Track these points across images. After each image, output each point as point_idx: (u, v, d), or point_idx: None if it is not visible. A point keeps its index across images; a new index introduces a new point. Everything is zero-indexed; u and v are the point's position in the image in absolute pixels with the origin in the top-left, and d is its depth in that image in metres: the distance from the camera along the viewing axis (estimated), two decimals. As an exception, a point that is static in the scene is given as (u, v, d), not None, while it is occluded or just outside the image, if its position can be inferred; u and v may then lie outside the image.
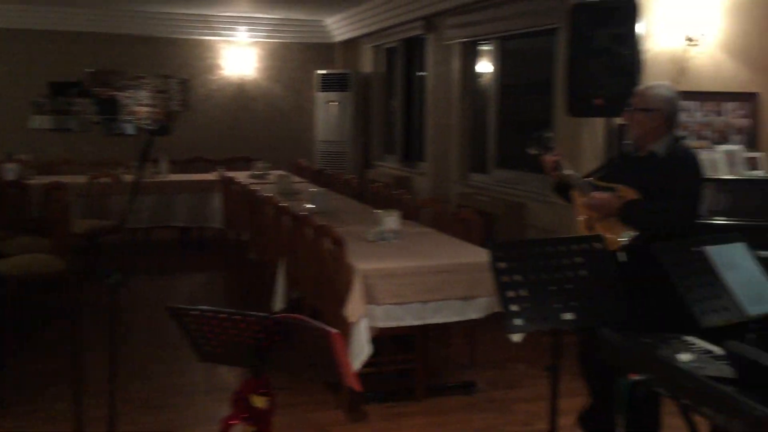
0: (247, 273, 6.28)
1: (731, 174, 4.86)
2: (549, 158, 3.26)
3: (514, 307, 2.57)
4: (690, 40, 5.03)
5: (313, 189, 6.38)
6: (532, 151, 3.35)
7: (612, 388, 2.25)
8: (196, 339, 2.32)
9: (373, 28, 9.18)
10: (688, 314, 2.45)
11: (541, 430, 3.61)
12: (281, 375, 2.33)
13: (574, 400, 3.48)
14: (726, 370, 2.06)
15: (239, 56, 10.27)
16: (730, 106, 5.22)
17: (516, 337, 3.74)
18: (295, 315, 2.22)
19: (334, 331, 2.11)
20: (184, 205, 7.56)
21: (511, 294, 2.58)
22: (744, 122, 5.25)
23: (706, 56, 5.09)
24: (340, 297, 3.85)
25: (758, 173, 4.92)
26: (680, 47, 5.04)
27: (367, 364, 3.70)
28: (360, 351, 3.62)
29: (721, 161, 4.90)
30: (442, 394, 4.09)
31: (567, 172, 3.23)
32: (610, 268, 2.73)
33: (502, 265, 2.63)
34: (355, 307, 3.65)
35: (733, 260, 2.68)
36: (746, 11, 5.15)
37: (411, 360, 4.05)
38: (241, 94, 10.36)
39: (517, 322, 2.56)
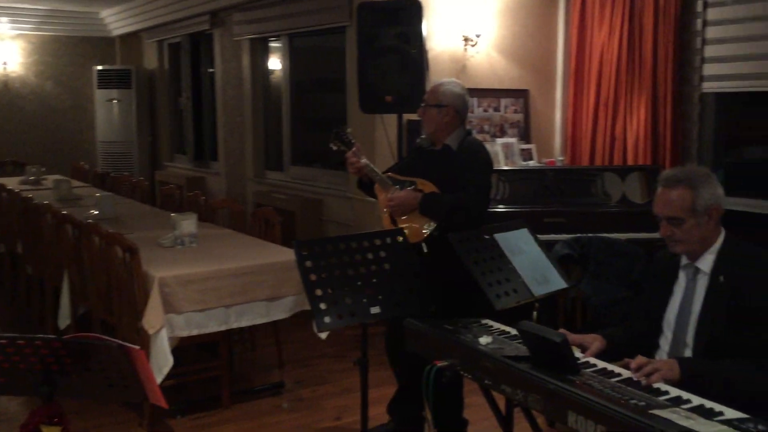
0: (24, 290, 5.69)
1: (509, 165, 5.28)
2: (350, 154, 3.31)
3: (322, 305, 2.58)
4: (467, 40, 5.37)
5: (98, 194, 5.94)
6: (334, 147, 3.38)
7: (419, 375, 2.33)
8: (-29, 371, 2.05)
9: (155, 22, 8.74)
10: (485, 298, 2.61)
11: (352, 423, 3.68)
12: (75, 399, 2.12)
13: (382, 390, 3.57)
14: (522, 349, 2.21)
15: (1, 50, 9.28)
16: (505, 102, 5.66)
17: (323, 334, 3.75)
18: (89, 334, 2.04)
19: (135, 347, 1.96)
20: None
21: (318, 292, 2.58)
22: (518, 117, 5.72)
23: (482, 56, 5.46)
24: (135, 308, 3.61)
25: (532, 163, 5.40)
26: (459, 47, 5.36)
27: (170, 376, 3.51)
28: (162, 363, 3.42)
29: (500, 153, 5.31)
30: (251, 399, 3.99)
31: (368, 167, 3.28)
32: (413, 261, 2.82)
33: (309, 263, 2.62)
34: (153, 318, 3.45)
35: (518, 245, 2.90)
36: (515, 14, 5.62)
37: (216, 367, 3.91)
38: (5, 92, 9.36)
39: (327, 319, 2.57)
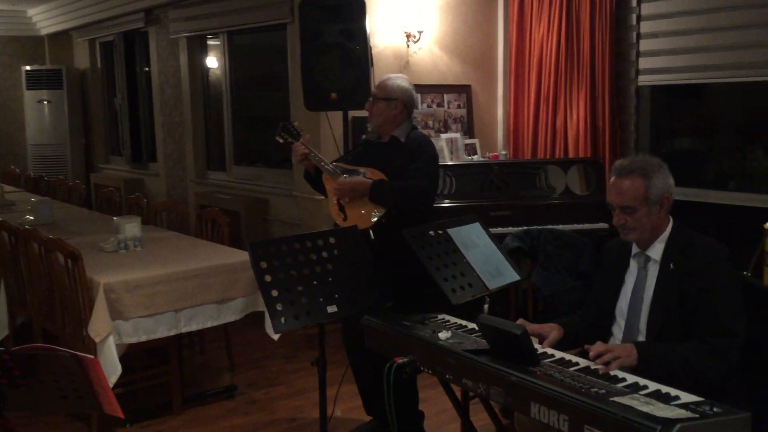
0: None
1: (454, 160, 5.33)
2: (297, 146, 3.30)
3: (278, 306, 2.54)
4: (409, 36, 5.38)
5: (33, 198, 5.72)
6: (280, 140, 3.36)
7: (378, 373, 2.32)
8: None
9: (86, 20, 8.47)
10: (436, 291, 2.63)
11: (307, 424, 3.66)
12: (24, 413, 2.04)
13: (336, 389, 3.56)
14: (481, 343, 2.23)
15: None
16: (448, 97, 5.70)
17: (275, 335, 3.71)
18: (40, 344, 1.96)
19: (89, 357, 1.90)
20: None
21: (274, 293, 2.55)
22: (461, 112, 5.77)
23: (425, 52, 5.49)
24: (80, 316, 3.50)
25: (476, 158, 5.46)
26: (402, 43, 5.37)
27: (118, 384, 3.42)
28: (110, 372, 3.32)
29: (445, 148, 5.34)
30: (202, 403, 3.92)
31: (316, 158, 3.28)
32: (368, 258, 2.82)
33: (264, 264, 2.58)
34: (99, 325, 3.34)
35: (472, 239, 2.92)
36: (456, 10, 5.66)
37: (166, 372, 3.82)
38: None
39: (283, 320, 2.53)
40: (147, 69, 8.07)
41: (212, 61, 7.17)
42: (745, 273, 2.86)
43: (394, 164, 3.20)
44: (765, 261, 3.54)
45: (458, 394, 2.60)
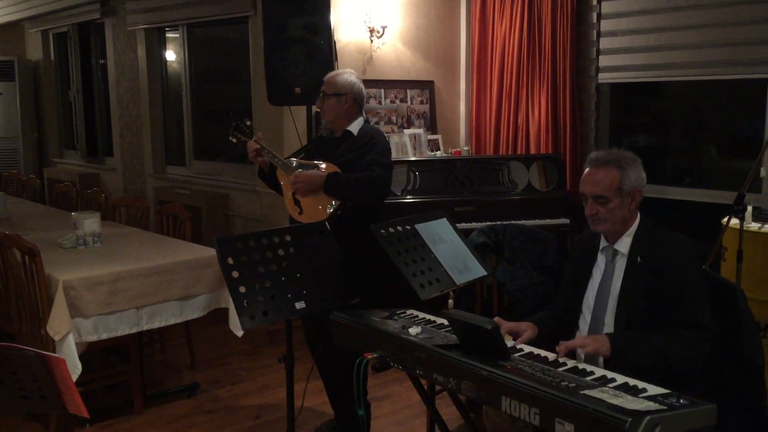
0: None
1: (417, 155, 5.34)
2: (251, 144, 3.29)
3: (246, 303, 2.51)
4: (373, 31, 5.37)
5: (-16, 193, 5.55)
6: (233, 139, 3.39)
7: (343, 369, 2.31)
8: None
9: (39, 10, 8.23)
10: (407, 288, 2.63)
11: (272, 421, 3.63)
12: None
13: (300, 386, 3.54)
14: (451, 338, 2.23)
15: None
16: (411, 93, 5.71)
17: (238, 332, 3.67)
18: (3, 344, 1.90)
19: (54, 356, 1.84)
20: None
21: (242, 289, 2.52)
22: (424, 108, 5.78)
23: (388, 47, 5.49)
24: (38, 314, 3.41)
25: (439, 154, 5.48)
26: (365, 39, 5.35)
27: (78, 383, 3.32)
28: (69, 370, 3.23)
29: (408, 144, 5.35)
30: (164, 402, 3.86)
31: (270, 155, 3.28)
32: (336, 253, 2.80)
33: (231, 260, 2.54)
34: (59, 323, 3.26)
35: (439, 235, 2.93)
36: (419, 6, 5.67)
37: (127, 371, 3.75)
38: None
39: (251, 317, 2.50)
40: (103, 61, 7.90)
41: (171, 54, 7.04)
42: (704, 267, 2.92)
43: (348, 158, 3.23)
44: (723, 256, 3.63)
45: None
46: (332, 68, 4.45)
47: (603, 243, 2.43)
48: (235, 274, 2.53)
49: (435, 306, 2.76)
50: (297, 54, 4.38)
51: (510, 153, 5.42)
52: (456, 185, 4.84)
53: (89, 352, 3.51)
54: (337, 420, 3.40)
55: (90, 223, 3.91)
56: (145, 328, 3.59)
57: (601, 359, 2.21)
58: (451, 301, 3.03)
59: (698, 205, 4.77)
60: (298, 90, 4.38)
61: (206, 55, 6.79)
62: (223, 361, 4.49)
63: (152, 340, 4.59)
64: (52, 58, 8.94)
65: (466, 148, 5.69)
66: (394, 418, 3.54)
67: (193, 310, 3.72)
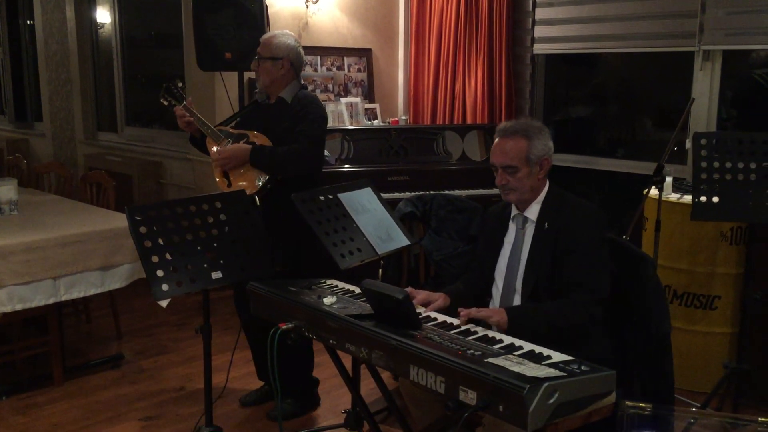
0: None
1: (354, 124, 5.28)
2: (179, 110, 3.17)
3: (159, 272, 2.45)
4: (309, -3, 5.26)
5: None
6: (165, 102, 3.24)
7: (266, 338, 2.28)
8: None
9: (-38, -34, 7.84)
10: (329, 258, 2.60)
11: (196, 392, 3.58)
12: None
13: (226, 357, 3.50)
14: (366, 307, 2.22)
15: None
16: (348, 61, 5.63)
17: (164, 303, 3.59)
18: None
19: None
20: None
21: (155, 259, 2.45)
22: (361, 76, 5.71)
23: (324, 14, 5.38)
24: (-52, 284, 3.28)
25: (376, 123, 5.44)
26: (301, 4, 5.24)
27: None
28: (-19, 343, 3.13)
29: (345, 113, 5.29)
30: (86, 373, 3.77)
31: (200, 121, 3.17)
32: (256, 222, 2.75)
33: (143, 229, 2.47)
34: (-31, 294, 3.14)
35: (362, 204, 2.91)
36: (356, -28, 5.56)
37: (45, 342, 3.64)
38: None
39: (165, 287, 2.45)
40: (30, 22, 7.56)
41: (103, 16, 6.78)
42: (624, 237, 2.97)
43: (282, 127, 3.12)
44: (643, 225, 3.70)
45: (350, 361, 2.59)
46: (264, 33, 4.35)
47: (514, 211, 2.44)
48: (148, 243, 2.47)
49: (365, 276, 2.74)
50: (227, 18, 4.26)
51: (447, 122, 5.41)
52: (390, 155, 4.80)
53: (5, 324, 3.39)
54: (271, 388, 3.36)
55: (6, 190, 3.75)
56: (63, 298, 3.48)
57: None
58: (380, 271, 3.02)
59: (631, 177, 4.85)
60: (228, 55, 4.27)
61: (138, 17, 6.56)
62: (151, 331, 4.41)
63: (77, 310, 4.48)
64: (-22, 17, 8.53)
65: (404, 117, 5.66)
66: (321, 387, 3.53)
67: (115, 281, 3.63)
